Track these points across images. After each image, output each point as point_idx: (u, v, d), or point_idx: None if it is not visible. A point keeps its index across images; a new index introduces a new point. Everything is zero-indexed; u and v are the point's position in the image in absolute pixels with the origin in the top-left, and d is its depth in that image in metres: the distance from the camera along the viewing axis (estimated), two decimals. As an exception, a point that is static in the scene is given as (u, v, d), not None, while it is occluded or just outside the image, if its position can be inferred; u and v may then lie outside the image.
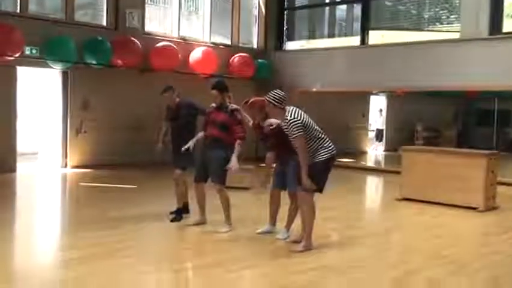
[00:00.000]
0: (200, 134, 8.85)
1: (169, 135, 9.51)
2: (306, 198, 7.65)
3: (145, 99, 17.29)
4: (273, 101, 7.38)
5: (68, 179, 15.07)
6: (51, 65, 15.63)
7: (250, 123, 8.38)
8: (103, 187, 13.36)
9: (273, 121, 7.65)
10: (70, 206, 11.52)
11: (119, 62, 16.61)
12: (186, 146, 8.61)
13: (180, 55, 18.04)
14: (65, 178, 15.12)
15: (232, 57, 20.12)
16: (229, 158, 8.36)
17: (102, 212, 10.32)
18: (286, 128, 7.31)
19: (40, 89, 17.40)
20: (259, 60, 21.01)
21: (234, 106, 8.52)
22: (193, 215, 9.72)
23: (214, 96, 8.61)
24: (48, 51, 15.29)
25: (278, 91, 7.43)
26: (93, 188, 13.32)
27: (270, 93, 7.40)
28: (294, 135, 7.19)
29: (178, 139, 9.21)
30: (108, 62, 16.36)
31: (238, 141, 8.35)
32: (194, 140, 8.75)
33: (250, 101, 8.12)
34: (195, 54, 18.96)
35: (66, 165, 16.59)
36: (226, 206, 8.88)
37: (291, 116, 7.17)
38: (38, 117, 17.87)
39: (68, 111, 16.49)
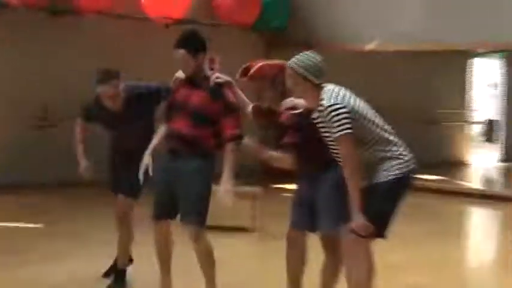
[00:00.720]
0: (160, 134, 6.96)
1: (112, 145, 7.77)
2: (357, 248, 5.97)
3: (60, 68, 13.58)
4: (302, 70, 5.84)
5: None
6: None
7: (249, 109, 6.69)
8: None
9: (299, 102, 6.15)
10: None
11: None
12: (142, 167, 6.68)
13: None
14: None
15: None
16: (211, 175, 6.76)
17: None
18: (320, 122, 5.86)
19: None
20: None
21: (221, 78, 6.70)
22: (148, 273, 7.52)
23: (181, 62, 6.65)
24: None
25: (311, 54, 5.94)
26: None
27: (296, 57, 5.90)
28: (337, 134, 5.71)
29: (127, 153, 7.51)
30: None
31: (229, 144, 6.63)
32: (150, 149, 6.86)
33: (253, 69, 6.38)
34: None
35: None
36: (208, 264, 6.77)
37: (330, 100, 5.72)
38: None
39: None
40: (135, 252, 7.83)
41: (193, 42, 6.67)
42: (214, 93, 6.64)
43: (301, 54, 5.94)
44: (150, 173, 6.76)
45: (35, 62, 13.06)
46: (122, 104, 7.43)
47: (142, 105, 7.52)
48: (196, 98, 6.68)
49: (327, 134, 5.82)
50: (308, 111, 6.02)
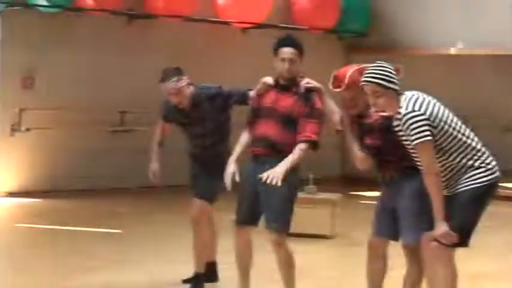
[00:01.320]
0: (244, 139, 6.86)
1: (190, 148, 7.69)
2: (440, 257, 5.91)
3: (136, 73, 13.45)
4: (381, 81, 5.84)
5: None
6: None
7: (337, 117, 6.48)
8: (59, 232, 10.35)
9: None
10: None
11: (89, 1, 12.60)
12: (228, 175, 6.64)
13: None
14: None
15: None
16: (296, 182, 6.70)
17: (57, 281, 7.85)
18: (399, 130, 5.84)
19: None
20: None
21: (312, 83, 6.62)
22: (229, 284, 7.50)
23: (288, 61, 6.52)
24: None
25: (383, 63, 5.95)
26: (40, 233, 10.23)
27: (370, 72, 5.91)
28: (415, 142, 5.67)
29: (204, 156, 7.58)
30: (69, 1, 12.50)
31: (301, 144, 6.55)
32: (235, 156, 6.78)
33: (346, 78, 6.17)
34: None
35: None
36: (289, 270, 6.84)
37: (407, 108, 5.73)
38: None
39: None
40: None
41: (300, 44, 6.68)
42: (303, 98, 6.62)
43: (373, 66, 5.97)
44: (237, 179, 6.76)
45: (111, 66, 13.15)
46: (189, 103, 7.37)
47: (211, 107, 7.47)
48: (285, 102, 6.67)
49: (407, 142, 5.78)
50: (389, 119, 6.01)
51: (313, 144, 6.62)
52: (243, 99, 7.26)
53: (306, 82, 6.68)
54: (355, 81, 6.14)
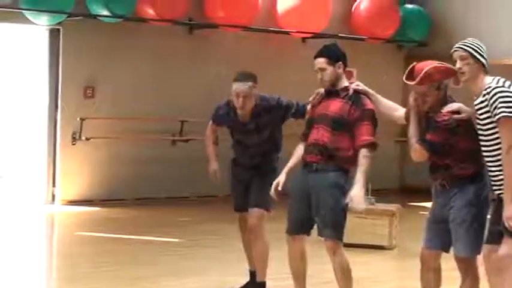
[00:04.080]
0: (299, 152, 6.78)
1: (238, 157, 7.67)
2: (507, 267, 5.63)
3: (196, 83, 13.51)
4: (474, 52, 5.87)
5: (55, 224, 12.18)
6: (31, 19, 11.93)
7: (401, 113, 6.46)
8: (119, 240, 10.29)
9: (464, 108, 5.98)
10: (58, 282, 8.59)
11: (150, 11, 12.77)
12: (279, 184, 6.64)
13: (258, 2, 13.76)
14: (50, 223, 12.16)
15: (357, 2, 14.90)
16: (348, 189, 6.51)
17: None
18: (481, 108, 5.69)
19: (9, 61, 13.62)
20: (407, 7, 15.52)
21: (361, 85, 6.62)
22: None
23: (320, 71, 6.58)
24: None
25: (478, 41, 6.00)
26: (100, 241, 10.22)
27: (466, 41, 5.99)
28: (500, 115, 5.55)
29: (256, 164, 7.49)
30: (130, 11, 12.52)
31: (363, 150, 6.46)
32: (288, 168, 6.73)
33: (421, 73, 6.07)
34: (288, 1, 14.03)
35: (53, 199, 12.81)
36: (345, 279, 6.70)
37: (498, 83, 5.70)
38: (3, 112, 14.08)
39: (59, 100, 12.72)
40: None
41: (331, 52, 6.66)
42: (352, 100, 6.57)
43: (469, 39, 5.96)
44: (279, 188, 6.70)
45: (172, 75, 13.16)
46: (249, 113, 7.34)
47: (269, 118, 7.44)
48: (335, 105, 6.63)
49: (484, 128, 5.64)
50: (470, 119, 5.90)
51: (373, 146, 6.53)
52: (300, 113, 7.25)
53: (356, 85, 6.65)
54: (430, 77, 6.08)
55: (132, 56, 12.49)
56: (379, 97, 6.68)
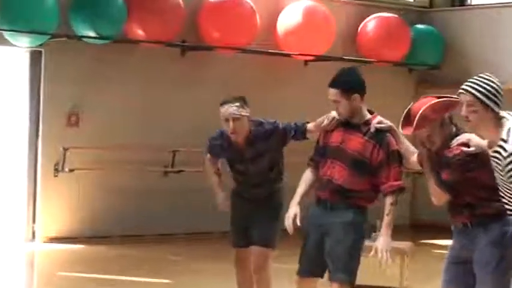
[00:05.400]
0: (307, 179, 6.69)
1: (238, 187, 7.63)
2: None
3: (189, 108, 13.50)
4: (482, 96, 5.63)
5: (35, 263, 12.10)
6: (10, 40, 11.92)
7: (415, 158, 6.40)
8: (104, 282, 10.19)
9: (476, 141, 5.92)
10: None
11: (140, 32, 12.79)
12: (290, 217, 6.56)
13: (258, 18, 13.59)
14: (30, 262, 12.11)
15: (364, 22, 14.88)
16: (364, 230, 6.66)
17: None
18: (497, 161, 5.63)
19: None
20: (418, 27, 15.45)
21: (383, 122, 6.51)
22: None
23: (333, 103, 6.52)
24: (6, 14, 11.59)
25: (489, 77, 5.71)
26: (84, 282, 10.14)
27: (473, 81, 5.71)
28: None
29: (258, 195, 7.44)
30: (118, 32, 12.44)
31: (390, 197, 6.41)
32: (297, 197, 6.63)
33: (416, 118, 5.98)
34: (289, 17, 13.92)
35: (33, 237, 12.70)
36: None
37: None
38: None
39: (40, 128, 12.68)
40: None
41: (347, 81, 6.50)
42: (375, 140, 6.45)
43: (478, 77, 5.78)
44: (298, 223, 6.59)
45: (162, 101, 13.09)
46: (244, 139, 7.24)
47: (267, 144, 7.35)
48: (355, 143, 6.50)
49: (502, 174, 5.58)
50: (482, 151, 5.85)
51: (402, 190, 6.43)
52: (301, 135, 7.10)
53: (377, 122, 6.50)
54: (427, 119, 5.98)
55: (120, 81, 12.43)
56: (401, 135, 6.53)
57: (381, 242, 6.38)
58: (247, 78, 12.90)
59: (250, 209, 7.46)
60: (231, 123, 7.10)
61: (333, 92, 6.43)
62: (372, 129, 6.47)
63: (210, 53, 13.08)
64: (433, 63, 14.94)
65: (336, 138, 6.54)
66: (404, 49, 14.45)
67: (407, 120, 6.00)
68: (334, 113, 6.64)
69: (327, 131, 6.61)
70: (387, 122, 6.51)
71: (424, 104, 5.96)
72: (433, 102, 5.97)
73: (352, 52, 14.30)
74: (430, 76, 15.12)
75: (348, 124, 6.50)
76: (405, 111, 6.05)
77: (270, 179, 7.49)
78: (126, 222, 12.80)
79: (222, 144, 7.41)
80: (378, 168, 6.42)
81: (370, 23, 14.33)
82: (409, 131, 6.00)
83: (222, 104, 7.18)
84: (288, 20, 13.30)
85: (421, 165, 6.25)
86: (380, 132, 6.46)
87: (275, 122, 7.34)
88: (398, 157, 6.49)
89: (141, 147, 12.92)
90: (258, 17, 12.94)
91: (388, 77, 14.55)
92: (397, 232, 11.67)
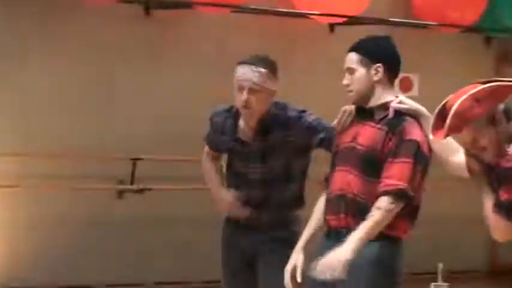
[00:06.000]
0: (320, 210, 6.95)
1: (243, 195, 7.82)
2: None
3: (161, 93, 13.70)
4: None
5: None
6: None
7: (460, 159, 6.71)
8: None
9: None
10: None
11: None
12: (289, 268, 6.94)
13: None
14: None
15: None
16: (396, 270, 6.80)
17: None
18: None
19: None
20: None
21: (405, 103, 6.82)
22: None
23: (347, 72, 6.77)
24: None
25: None
26: None
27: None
28: None
29: (266, 224, 7.69)
30: None
31: (382, 199, 6.64)
32: (303, 241, 7.01)
33: (449, 116, 6.19)
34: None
35: None
36: None
37: None
38: None
39: None
40: None
41: (371, 46, 6.73)
42: (389, 126, 6.61)
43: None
44: (299, 278, 6.77)
45: (117, 87, 13.08)
46: (257, 121, 7.47)
47: (283, 138, 7.55)
48: (366, 134, 6.69)
49: None
50: None
51: (402, 196, 6.53)
52: (330, 144, 7.24)
53: (398, 101, 6.64)
54: (466, 116, 6.06)
55: (54, 52, 12.32)
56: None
57: (332, 254, 6.47)
58: (244, 51, 12.52)
59: (252, 244, 7.65)
60: (245, 92, 7.32)
61: (350, 58, 6.62)
62: (390, 114, 6.62)
63: (188, 12, 13.02)
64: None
65: (348, 135, 6.74)
66: (479, 8, 14.51)
67: (441, 119, 6.11)
68: (348, 107, 6.83)
69: (341, 131, 6.85)
70: (411, 103, 6.68)
71: (463, 94, 6.08)
72: (473, 91, 6.04)
73: (401, 12, 14.40)
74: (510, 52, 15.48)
75: (360, 112, 6.69)
76: (439, 106, 6.16)
77: (284, 198, 7.65)
78: (62, 270, 12.74)
79: (224, 124, 7.66)
80: (384, 161, 6.64)
81: None
82: (440, 135, 6.13)
83: (241, 63, 7.41)
84: None
85: (471, 172, 6.30)
86: (400, 116, 6.64)
87: (303, 111, 7.56)
88: (414, 151, 6.65)
89: (82, 154, 12.87)
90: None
91: (456, 50, 14.74)
92: (473, 280, 12.36)
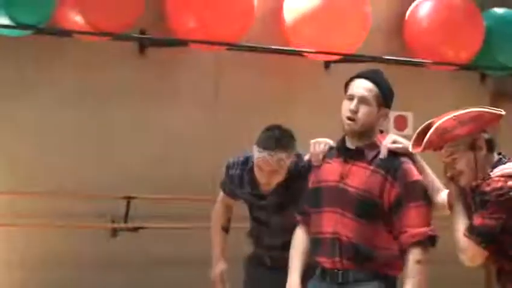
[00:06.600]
0: (300, 245, 7.38)
1: (258, 249, 8.17)
2: None
3: (155, 131, 13.38)
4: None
5: None
6: None
7: (443, 195, 6.90)
8: None
9: None
10: None
11: (77, 18, 12.32)
12: None
13: (253, 2, 13.52)
14: None
15: (414, 5, 14.89)
16: None
17: None
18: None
19: None
20: (496, 12, 15.38)
21: (399, 142, 6.92)
22: None
23: (355, 101, 6.86)
24: None
25: None
26: None
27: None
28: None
29: (283, 267, 7.55)
30: (45, 19, 12.18)
31: (415, 252, 6.74)
32: (299, 269, 7.22)
33: (430, 131, 6.49)
34: (299, 0, 13.78)
35: None
36: None
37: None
38: None
39: None
40: None
41: (385, 84, 6.80)
42: (386, 168, 6.71)
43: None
44: None
45: (110, 125, 12.94)
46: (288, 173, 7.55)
47: (301, 185, 7.47)
48: (360, 175, 6.75)
49: None
50: None
51: (430, 241, 6.66)
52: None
53: (391, 141, 6.72)
54: (448, 134, 6.30)
55: (46, 89, 12.27)
56: (424, 165, 6.84)
57: None
58: (238, 88, 12.86)
59: (273, 283, 7.66)
60: (265, 173, 7.49)
61: (366, 87, 6.66)
62: (383, 154, 6.73)
63: (183, 50, 12.96)
64: (516, 66, 15.12)
65: (332, 174, 6.82)
66: (474, 45, 14.45)
67: (423, 135, 6.37)
68: (321, 141, 7.06)
69: (315, 168, 6.99)
70: (404, 142, 6.75)
71: (448, 114, 6.38)
72: (458, 113, 6.34)
73: (396, 50, 14.35)
74: (507, 88, 15.50)
75: (345, 151, 6.77)
76: (424, 124, 6.44)
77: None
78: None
79: (241, 176, 7.76)
80: (392, 211, 6.66)
81: (424, 7, 14.39)
82: (418, 149, 6.40)
83: (262, 146, 7.45)
84: (300, 1, 13.15)
85: (451, 207, 6.55)
86: (393, 157, 6.71)
87: (298, 155, 7.65)
88: (421, 192, 6.75)
89: (75, 192, 12.76)
90: (254, -3, 13.03)
91: (450, 86, 14.74)
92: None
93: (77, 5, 11.97)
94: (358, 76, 6.93)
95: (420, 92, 12.86)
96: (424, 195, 6.90)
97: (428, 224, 6.85)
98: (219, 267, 8.00)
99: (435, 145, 6.44)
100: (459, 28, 14.21)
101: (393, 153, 6.84)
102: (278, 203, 7.76)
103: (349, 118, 6.80)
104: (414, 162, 6.90)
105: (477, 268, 7.33)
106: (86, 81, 12.90)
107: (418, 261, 6.77)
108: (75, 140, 12.77)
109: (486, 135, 6.47)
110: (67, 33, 12.27)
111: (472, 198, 6.63)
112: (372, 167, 6.83)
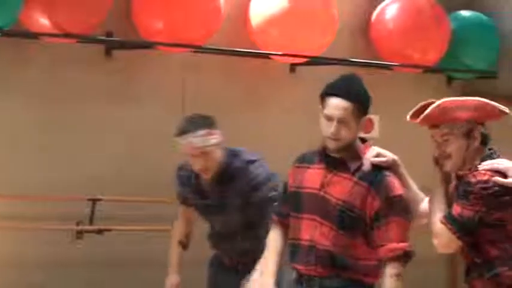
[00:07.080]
0: (275, 246, 7.19)
1: (217, 252, 8.43)
2: None
3: (121, 133, 13.31)
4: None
5: None
6: None
7: (423, 206, 6.99)
8: None
9: (508, 168, 6.49)
10: None
11: (43, 21, 12.37)
12: None
13: (220, 5, 13.51)
14: None
15: (381, 7, 14.72)
16: None
17: None
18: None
19: None
20: (463, 14, 15.30)
21: (383, 156, 6.86)
22: None
23: (334, 122, 6.74)
24: None
25: None
26: None
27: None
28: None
29: (244, 265, 7.95)
30: (10, 21, 12.24)
31: (391, 266, 6.73)
32: (274, 269, 7.10)
33: (431, 107, 6.56)
34: (265, 3, 13.71)
35: None
36: None
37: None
38: None
39: None
40: None
41: (361, 94, 6.70)
42: (369, 181, 6.62)
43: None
44: None
45: (75, 126, 12.86)
46: (214, 175, 7.72)
47: (233, 190, 7.75)
48: (341, 188, 6.65)
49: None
50: None
51: (409, 257, 6.64)
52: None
53: (375, 154, 6.67)
54: (447, 113, 6.34)
55: (11, 93, 12.26)
56: (407, 177, 6.84)
57: None
58: (204, 91, 12.86)
59: (236, 283, 7.94)
60: (199, 159, 7.65)
61: (342, 104, 6.50)
62: (366, 166, 6.65)
63: (149, 53, 12.98)
64: (484, 69, 15.05)
65: (312, 180, 6.72)
66: (441, 48, 14.52)
67: (424, 109, 6.42)
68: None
69: (291, 174, 6.90)
70: (388, 155, 6.74)
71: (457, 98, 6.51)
72: (466, 98, 6.44)
73: (362, 52, 14.35)
74: (480, 87, 15.08)
75: (330, 159, 6.66)
76: (428, 101, 6.51)
77: (258, 236, 7.73)
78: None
79: (190, 177, 7.97)
80: (372, 223, 6.61)
81: (390, 9, 14.34)
82: (417, 120, 6.45)
83: (180, 134, 7.66)
84: (267, 4, 13.15)
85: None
86: (376, 170, 6.66)
87: (255, 161, 7.81)
88: (402, 206, 6.69)
89: (39, 194, 12.65)
90: (221, -1, 13.02)
91: (417, 89, 14.59)
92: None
93: (43, 7, 11.96)
94: (333, 93, 6.79)
95: (386, 95, 12.78)
96: (405, 210, 6.88)
97: (405, 240, 6.85)
98: (171, 280, 8.18)
99: (433, 120, 6.47)
100: (425, 31, 14.23)
101: (376, 166, 6.82)
102: (219, 202, 7.85)
103: (332, 138, 6.74)
104: (397, 174, 6.88)
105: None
106: (51, 83, 12.86)
107: (395, 275, 6.79)
108: (40, 142, 12.70)
109: (483, 130, 6.51)
110: (33, 35, 12.27)
111: (456, 186, 6.68)
112: (354, 179, 6.79)
